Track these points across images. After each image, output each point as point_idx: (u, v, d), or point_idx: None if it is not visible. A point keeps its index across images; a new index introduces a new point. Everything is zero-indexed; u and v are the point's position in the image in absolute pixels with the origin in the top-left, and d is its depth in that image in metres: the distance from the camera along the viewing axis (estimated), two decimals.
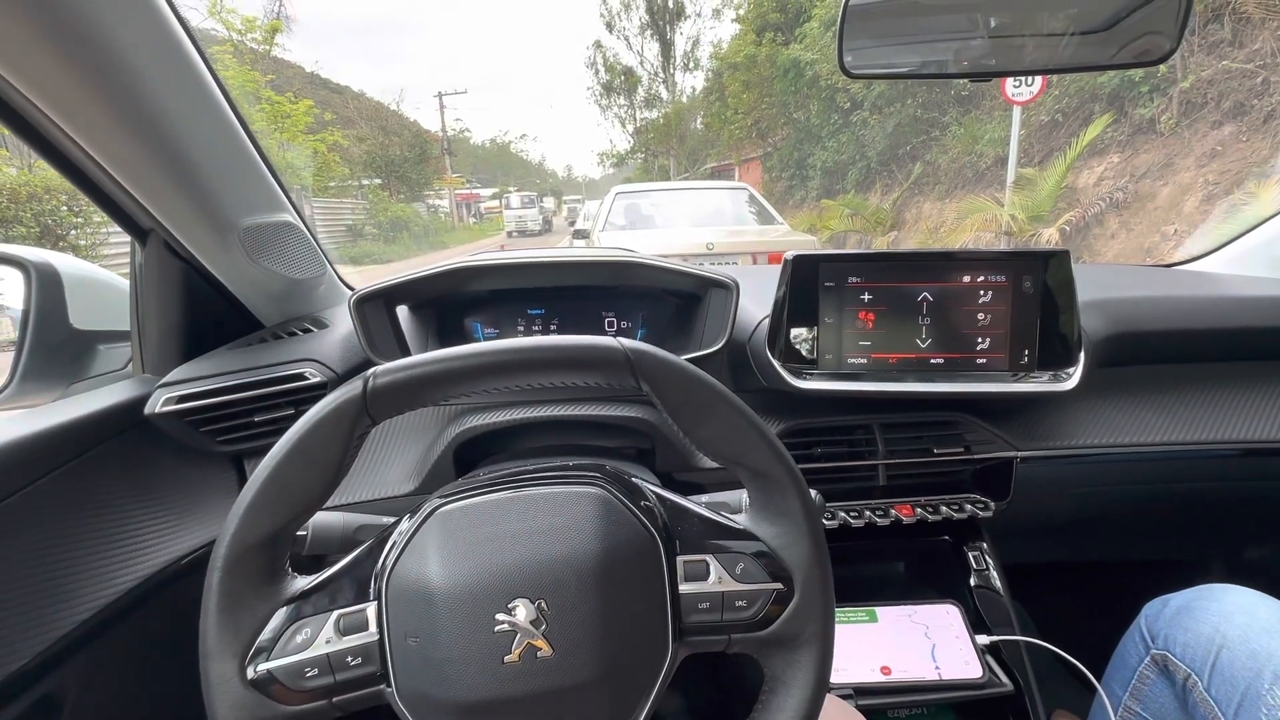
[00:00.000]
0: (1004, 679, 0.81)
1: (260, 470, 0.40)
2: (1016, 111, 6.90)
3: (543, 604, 0.40)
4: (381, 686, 0.40)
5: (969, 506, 0.88)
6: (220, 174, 0.69)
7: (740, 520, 0.47)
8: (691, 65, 25.80)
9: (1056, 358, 0.82)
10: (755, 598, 0.43)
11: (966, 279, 0.83)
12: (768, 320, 0.88)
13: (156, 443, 0.76)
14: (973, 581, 0.93)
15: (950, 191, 9.47)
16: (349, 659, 0.39)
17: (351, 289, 1.07)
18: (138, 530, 0.70)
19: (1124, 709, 0.79)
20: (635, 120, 28.28)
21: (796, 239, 4.98)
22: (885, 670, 0.82)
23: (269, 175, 0.77)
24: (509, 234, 27.32)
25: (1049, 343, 0.82)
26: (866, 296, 0.84)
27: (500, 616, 0.39)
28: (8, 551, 0.58)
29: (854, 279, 0.84)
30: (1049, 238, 6.64)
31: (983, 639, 0.85)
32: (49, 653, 0.59)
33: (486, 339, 1.01)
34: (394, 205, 19.86)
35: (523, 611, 0.39)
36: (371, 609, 0.41)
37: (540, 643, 0.39)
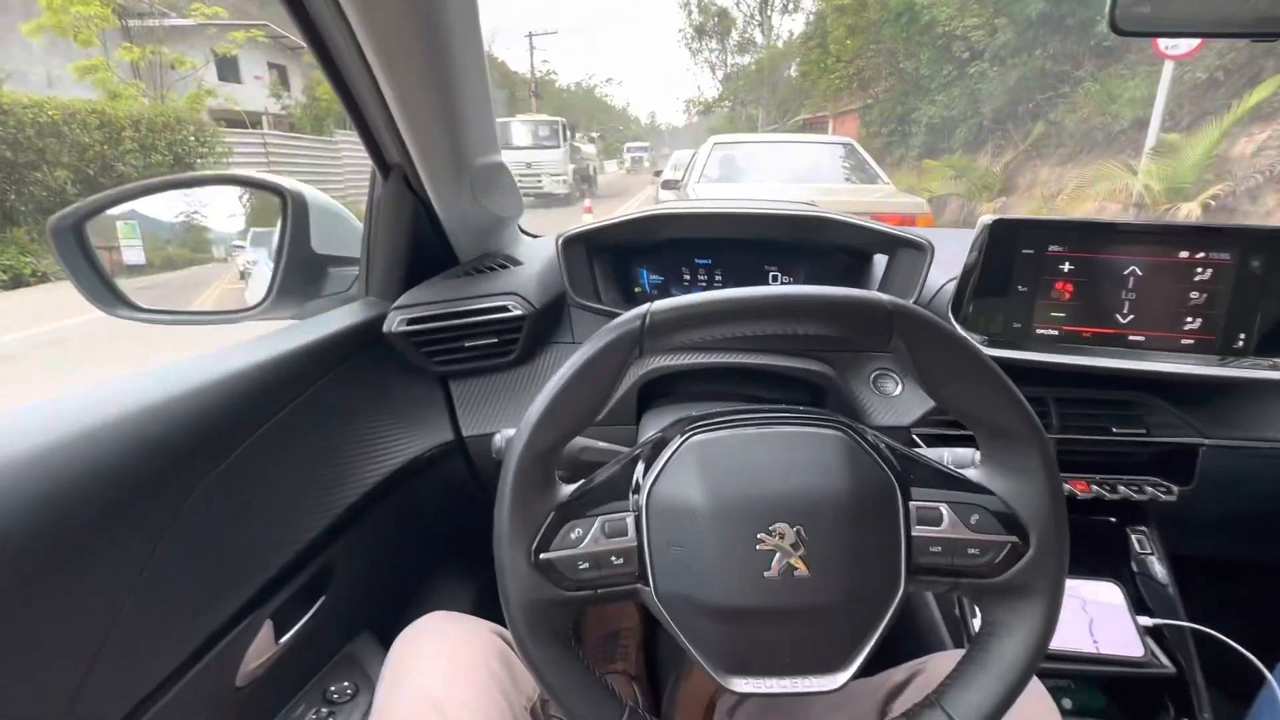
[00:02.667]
0: (1166, 661, 0.81)
1: (550, 387, 0.45)
2: (1168, 67, 6.15)
3: (801, 529, 0.44)
4: (638, 585, 0.46)
5: (1149, 489, 0.86)
6: (469, 115, 0.75)
7: (972, 474, 0.49)
8: (791, 7, 24.27)
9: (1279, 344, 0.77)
10: (988, 548, 0.45)
11: (1184, 254, 0.79)
12: (952, 284, 0.87)
13: (383, 360, 0.85)
14: (1134, 567, 0.92)
15: (1074, 156, 8.64)
16: (612, 558, 0.45)
17: (525, 232, 1.13)
18: (379, 434, 0.80)
19: None
20: (726, 66, 27.07)
21: (902, 200, 4.71)
22: None
23: (493, 115, 0.82)
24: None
25: (1273, 327, 0.77)
26: (1067, 266, 0.81)
27: (762, 536, 0.44)
28: (301, 444, 0.68)
29: (1055, 248, 0.81)
30: (1189, 213, 5.99)
31: (1145, 620, 0.85)
32: (326, 530, 0.70)
33: (653, 286, 1.05)
34: None
35: (785, 533, 0.44)
36: (630, 518, 0.46)
37: (799, 562, 0.44)
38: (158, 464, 0.51)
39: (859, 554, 0.44)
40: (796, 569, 0.44)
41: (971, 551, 0.46)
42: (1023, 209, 8.67)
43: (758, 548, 0.44)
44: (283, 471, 0.65)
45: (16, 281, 7.03)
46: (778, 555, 0.44)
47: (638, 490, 0.47)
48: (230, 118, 12.87)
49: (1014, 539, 0.46)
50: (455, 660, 0.57)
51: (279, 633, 0.64)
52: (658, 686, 1.07)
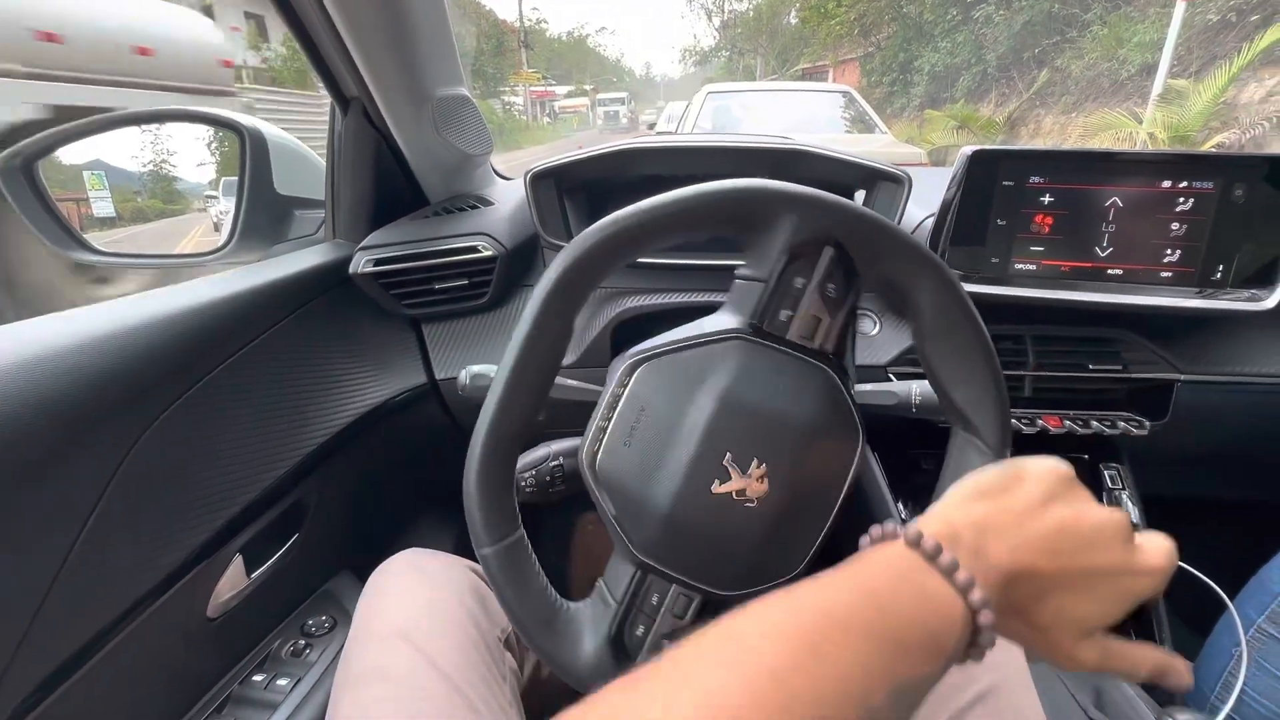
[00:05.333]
0: None
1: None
2: (1179, 8, 5.95)
3: (766, 464, 0.44)
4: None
5: (1122, 424, 0.86)
6: (426, 43, 0.71)
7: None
8: None
9: (1258, 275, 0.76)
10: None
11: (1167, 184, 0.77)
12: (930, 220, 0.85)
13: (352, 302, 0.84)
14: (1104, 501, 0.93)
15: (1079, 104, 8.42)
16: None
17: (499, 174, 1.10)
18: (347, 376, 0.79)
19: (1256, 630, 0.79)
20: (723, 13, 26.11)
21: (901, 151, 4.62)
22: None
23: (455, 46, 0.79)
24: None
25: (1252, 258, 0.76)
26: (1047, 199, 0.80)
27: (728, 465, 0.44)
28: (264, 382, 0.68)
29: (1036, 179, 0.79)
30: None
31: None
32: (298, 467, 0.70)
33: None
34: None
35: (752, 470, 0.44)
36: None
37: (758, 487, 0.44)
38: (111, 396, 0.51)
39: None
40: (751, 498, 0.44)
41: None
42: None
43: (725, 478, 0.44)
44: (246, 409, 0.65)
45: None
46: (733, 480, 0.44)
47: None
48: None
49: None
50: (428, 593, 0.58)
51: (250, 567, 0.65)
52: None
